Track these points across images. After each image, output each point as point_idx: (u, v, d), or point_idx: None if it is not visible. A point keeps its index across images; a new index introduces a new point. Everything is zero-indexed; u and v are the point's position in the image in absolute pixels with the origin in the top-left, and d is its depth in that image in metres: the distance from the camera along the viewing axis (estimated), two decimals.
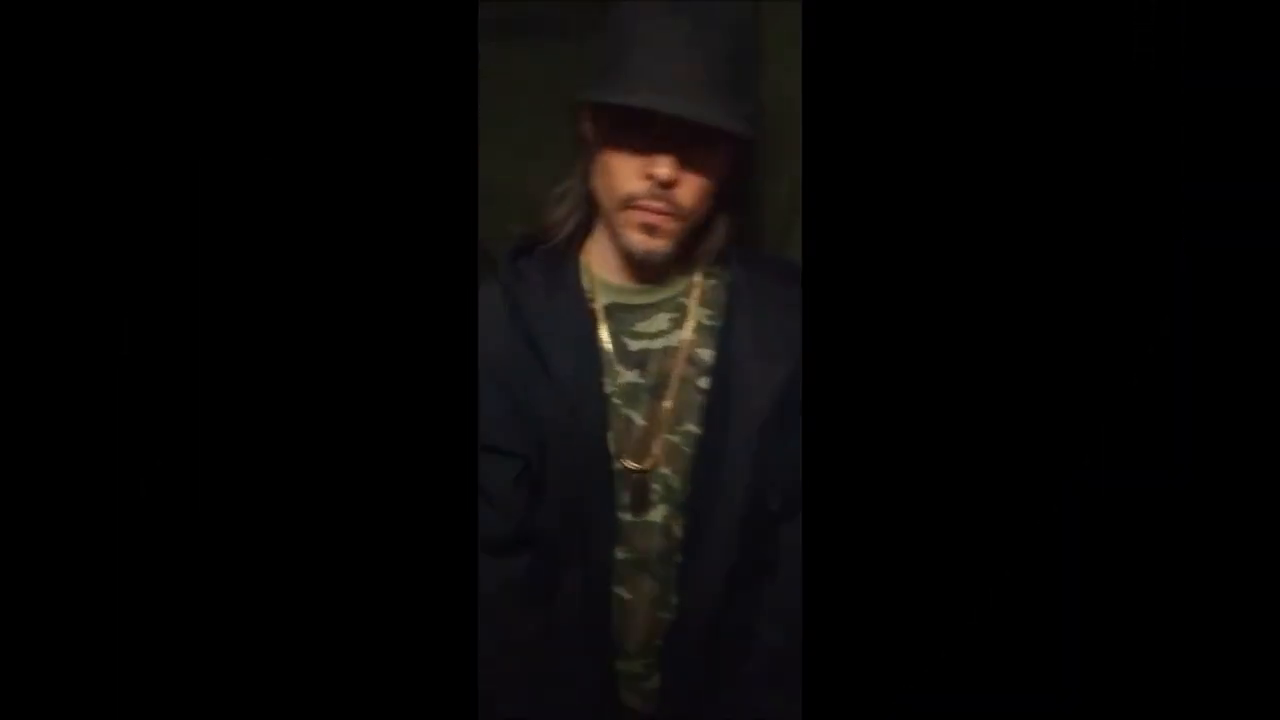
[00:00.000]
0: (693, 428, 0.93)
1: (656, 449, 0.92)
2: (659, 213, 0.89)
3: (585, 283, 0.97)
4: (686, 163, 0.88)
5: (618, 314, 0.96)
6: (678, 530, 0.92)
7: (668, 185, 0.87)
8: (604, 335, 0.94)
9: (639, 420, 0.93)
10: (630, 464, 0.92)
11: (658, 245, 0.91)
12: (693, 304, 0.97)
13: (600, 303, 0.96)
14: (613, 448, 0.92)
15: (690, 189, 0.89)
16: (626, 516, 0.92)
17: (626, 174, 0.89)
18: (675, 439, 0.93)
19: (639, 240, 0.90)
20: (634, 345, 0.95)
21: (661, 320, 0.96)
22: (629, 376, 0.94)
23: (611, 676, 0.93)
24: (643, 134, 0.87)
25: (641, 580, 0.93)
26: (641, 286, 0.97)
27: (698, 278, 0.97)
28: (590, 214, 0.97)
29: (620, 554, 0.92)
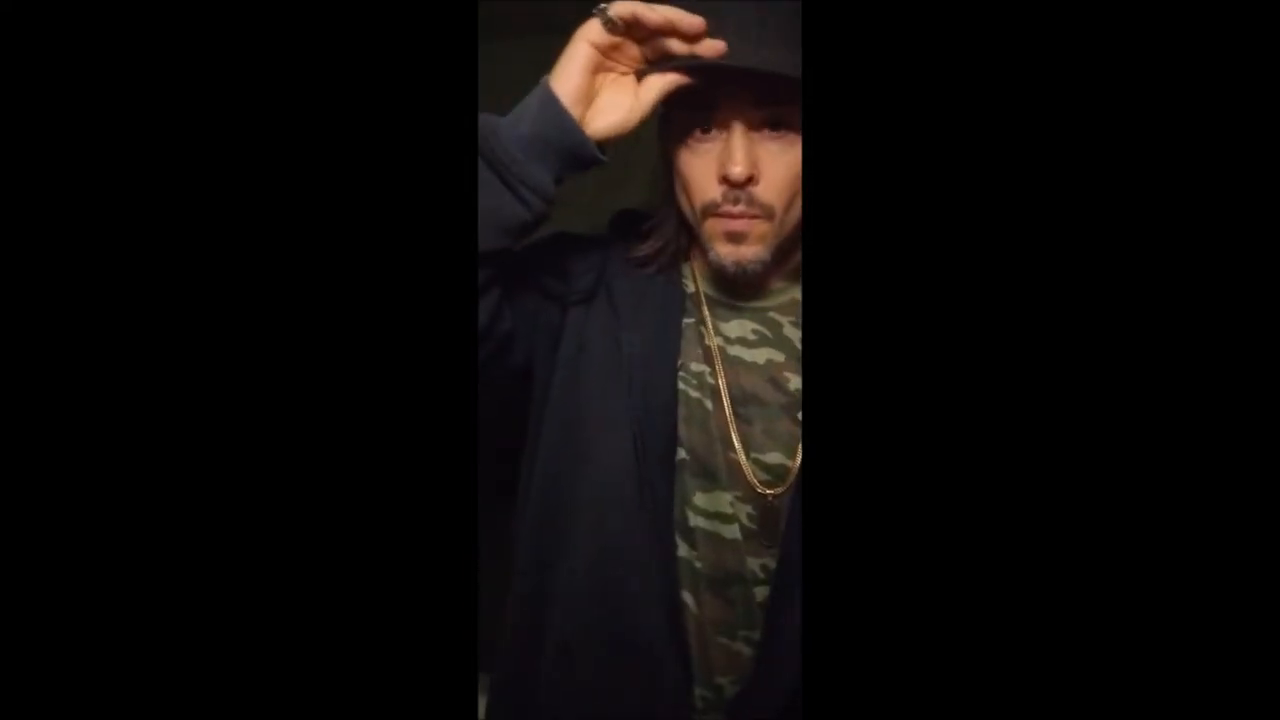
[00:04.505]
0: (782, 459, 0.87)
1: (741, 465, 0.86)
2: (742, 217, 0.82)
3: (689, 266, 0.92)
4: (764, 151, 0.81)
5: (707, 304, 0.90)
6: (756, 569, 0.86)
7: (744, 184, 0.81)
8: (685, 318, 0.89)
9: (713, 424, 0.87)
10: (762, 489, 0.86)
11: (748, 254, 0.84)
12: (788, 322, 0.89)
13: (697, 287, 0.91)
14: (683, 429, 0.87)
15: (772, 183, 0.82)
16: (699, 521, 0.87)
17: (703, 181, 0.83)
18: (755, 468, 0.86)
19: (727, 252, 0.84)
20: (710, 341, 0.88)
21: (743, 327, 0.89)
22: (701, 368, 0.88)
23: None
24: (707, 119, 0.82)
25: (705, 595, 0.86)
26: (741, 294, 0.90)
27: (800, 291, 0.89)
28: (687, 237, 0.91)
29: (686, 554, 0.87)
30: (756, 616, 0.86)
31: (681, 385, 0.87)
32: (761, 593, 0.86)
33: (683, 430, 0.87)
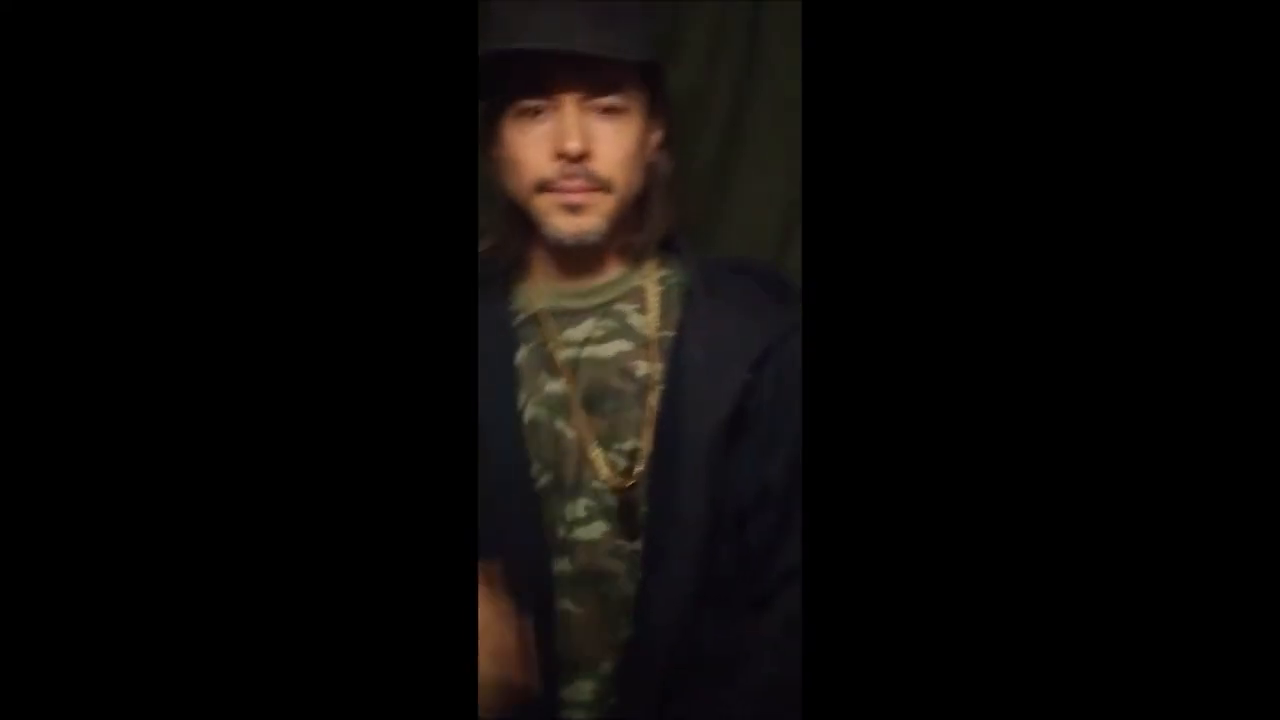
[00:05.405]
0: (635, 443, 0.88)
1: (599, 463, 0.87)
2: (580, 190, 0.84)
3: (523, 289, 0.92)
4: (598, 129, 0.84)
5: (550, 320, 0.90)
6: (627, 549, 0.88)
7: (580, 158, 0.83)
8: (524, 346, 0.90)
9: (568, 432, 0.88)
10: (619, 479, 0.87)
11: (587, 224, 0.85)
12: (632, 310, 0.91)
13: (535, 308, 0.90)
14: (537, 460, 0.87)
15: (608, 157, 0.84)
16: (567, 532, 0.87)
17: (536, 159, 0.84)
18: (613, 456, 0.88)
19: (564, 223, 0.85)
20: (561, 354, 0.89)
21: (589, 327, 0.90)
22: (553, 386, 0.89)
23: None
24: (539, 100, 0.83)
25: (587, 595, 0.88)
26: (583, 286, 0.90)
27: (648, 280, 0.91)
28: (522, 234, 0.90)
29: (564, 567, 0.87)
30: (627, 608, 0.87)
31: (533, 412, 0.88)
32: (629, 586, 0.87)
33: (538, 459, 0.87)
